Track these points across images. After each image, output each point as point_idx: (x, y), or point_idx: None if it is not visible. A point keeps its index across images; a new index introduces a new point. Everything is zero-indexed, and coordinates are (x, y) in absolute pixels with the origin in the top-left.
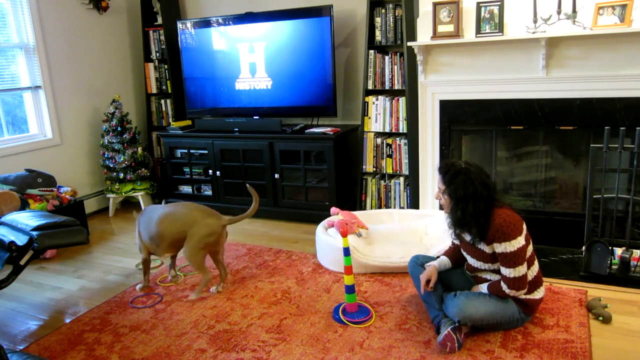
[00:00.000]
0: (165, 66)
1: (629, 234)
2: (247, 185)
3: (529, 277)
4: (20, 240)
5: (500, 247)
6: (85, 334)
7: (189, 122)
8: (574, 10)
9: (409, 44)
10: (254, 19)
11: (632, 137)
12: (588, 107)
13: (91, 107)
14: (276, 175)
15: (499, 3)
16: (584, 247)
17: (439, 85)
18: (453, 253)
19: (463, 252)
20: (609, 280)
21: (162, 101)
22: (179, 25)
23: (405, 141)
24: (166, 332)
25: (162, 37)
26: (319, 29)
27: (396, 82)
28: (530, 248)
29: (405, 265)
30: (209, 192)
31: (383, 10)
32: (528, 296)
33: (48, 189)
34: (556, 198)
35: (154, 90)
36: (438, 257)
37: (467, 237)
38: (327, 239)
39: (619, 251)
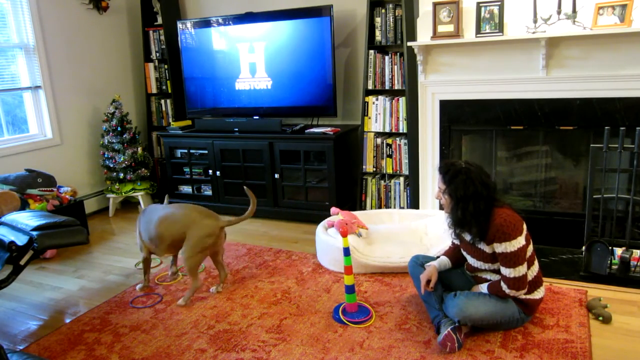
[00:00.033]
0: (165, 66)
1: (629, 234)
2: (245, 187)
3: (529, 277)
4: (20, 240)
5: (500, 247)
6: (85, 334)
7: (189, 122)
8: (574, 10)
9: (409, 44)
10: (254, 19)
11: (632, 137)
12: (588, 107)
13: (91, 107)
14: (276, 175)
15: (499, 3)
16: (584, 247)
17: (439, 85)
18: (453, 253)
19: (463, 252)
20: (609, 280)
21: (162, 101)
22: (179, 25)
23: (405, 141)
24: (166, 332)
25: (162, 37)
26: (319, 29)
27: (396, 82)
28: (531, 248)
29: (405, 265)
30: (209, 192)
31: (383, 10)
32: (528, 296)
33: (48, 189)
34: (556, 198)
35: (154, 90)
36: (438, 257)
37: (467, 237)
38: (327, 239)
39: (619, 251)
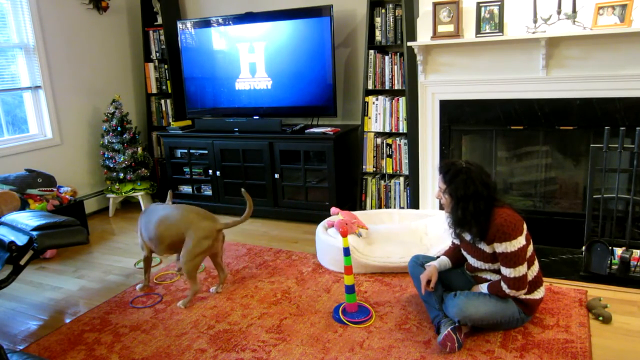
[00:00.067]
0: (165, 66)
1: (629, 234)
2: (242, 190)
3: (529, 277)
4: (20, 240)
5: (500, 247)
6: (85, 334)
7: (189, 122)
8: (574, 10)
9: (409, 44)
10: (254, 19)
11: (632, 137)
12: (588, 107)
13: (91, 107)
14: (276, 175)
15: (499, 3)
16: (584, 247)
17: (439, 85)
18: (453, 253)
19: (463, 252)
20: (609, 280)
21: (162, 101)
22: (179, 25)
23: (405, 141)
24: (166, 332)
25: (162, 37)
26: (319, 29)
27: (396, 82)
28: (531, 248)
29: (405, 265)
30: (209, 192)
31: (383, 10)
32: (528, 296)
33: (48, 189)
34: (556, 198)
35: (154, 90)
36: (438, 257)
37: (468, 237)
38: (327, 239)
39: (619, 251)
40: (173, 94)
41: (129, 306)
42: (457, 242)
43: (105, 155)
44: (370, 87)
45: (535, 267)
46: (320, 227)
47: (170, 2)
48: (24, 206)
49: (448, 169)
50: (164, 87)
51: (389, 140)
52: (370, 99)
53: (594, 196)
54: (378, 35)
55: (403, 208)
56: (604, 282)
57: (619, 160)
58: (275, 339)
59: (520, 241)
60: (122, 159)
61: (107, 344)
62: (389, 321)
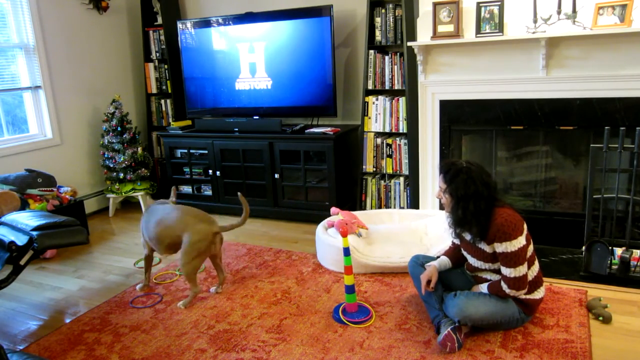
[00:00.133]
0: (165, 66)
1: (629, 234)
2: (239, 194)
3: (529, 277)
4: (20, 240)
5: (501, 247)
6: (85, 334)
7: (189, 122)
8: (574, 10)
9: (409, 44)
10: (254, 19)
11: (632, 137)
12: (588, 107)
13: (91, 107)
14: (276, 175)
15: (499, 3)
16: (584, 247)
17: (439, 85)
18: (453, 253)
19: (463, 252)
20: (609, 280)
21: (162, 101)
22: (179, 25)
23: (405, 141)
24: (166, 332)
25: (162, 37)
26: (319, 29)
27: (396, 82)
28: (531, 248)
29: (405, 265)
30: (209, 192)
31: (383, 10)
32: (528, 296)
33: (48, 189)
34: (556, 198)
35: (154, 90)
36: (438, 257)
37: (468, 237)
38: (327, 239)
39: (619, 251)
40: (173, 94)
41: (129, 306)
42: (457, 241)
43: (105, 155)
44: (370, 87)
45: (536, 267)
46: (320, 227)
47: (170, 2)
48: (24, 206)
49: (448, 169)
50: (164, 87)
51: (389, 140)
52: (370, 99)
53: (594, 196)
54: (378, 35)
55: (403, 208)
56: (604, 282)
57: (619, 160)
58: (275, 339)
59: (521, 241)
60: (122, 159)
61: (107, 344)
62: (389, 321)
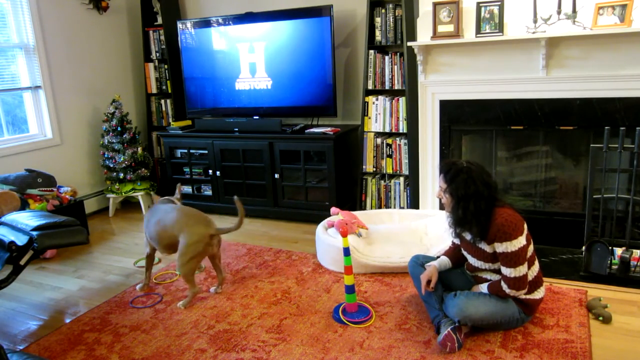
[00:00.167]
0: (165, 66)
1: (629, 234)
2: (235, 198)
3: (529, 277)
4: (20, 240)
5: (501, 247)
6: (85, 334)
7: (189, 122)
8: (574, 10)
9: (409, 44)
10: (254, 19)
11: (632, 137)
12: (588, 107)
13: (91, 107)
14: (276, 175)
15: (499, 3)
16: (584, 247)
17: (439, 85)
18: (453, 253)
19: (463, 252)
20: (609, 280)
21: (162, 101)
22: (179, 25)
23: (405, 141)
24: (166, 332)
25: (162, 37)
26: (319, 29)
27: (396, 82)
28: (531, 248)
29: (405, 265)
30: (209, 192)
31: (383, 10)
32: (528, 296)
33: (48, 189)
34: (556, 198)
35: (154, 90)
36: (438, 257)
37: (468, 236)
38: (327, 239)
39: (619, 251)
40: (173, 94)
41: (129, 306)
42: (457, 241)
43: (105, 155)
44: (370, 87)
45: (536, 267)
46: (320, 227)
47: (170, 2)
48: (24, 206)
49: (449, 169)
50: (164, 87)
51: (389, 140)
52: (370, 99)
53: (594, 196)
54: (378, 35)
55: (403, 208)
56: (604, 282)
57: (619, 160)
58: (275, 339)
59: (521, 241)
60: (122, 159)
61: (107, 344)
62: (389, 321)
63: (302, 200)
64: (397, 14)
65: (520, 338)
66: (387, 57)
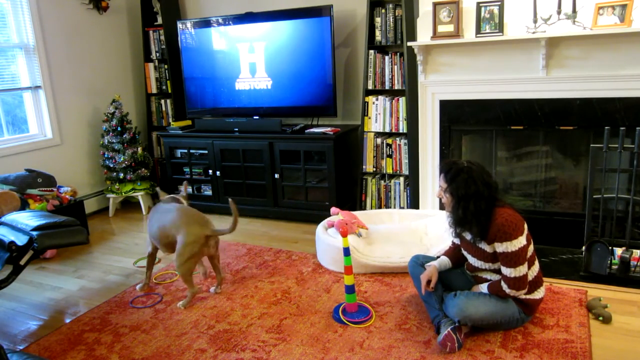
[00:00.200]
0: (165, 66)
1: (629, 234)
2: (230, 200)
3: (530, 277)
4: (20, 240)
5: (501, 247)
6: (85, 334)
7: (189, 122)
8: (574, 10)
9: (409, 44)
10: (254, 19)
11: (632, 137)
12: (588, 107)
13: (91, 107)
14: (276, 175)
15: (499, 3)
16: (584, 247)
17: (439, 85)
18: (453, 253)
19: (463, 252)
20: (609, 280)
21: (162, 101)
22: (179, 25)
23: (405, 141)
24: (166, 332)
25: (162, 37)
26: (319, 29)
27: (396, 82)
28: (531, 248)
29: (405, 265)
30: (209, 192)
31: (383, 10)
32: (528, 296)
33: (48, 189)
34: (556, 198)
35: (154, 90)
36: (438, 257)
37: (468, 236)
38: (327, 239)
39: (619, 251)
40: (173, 94)
41: (129, 306)
42: (457, 241)
43: (105, 155)
44: (370, 87)
45: (536, 267)
46: (320, 227)
47: (170, 2)
48: (24, 206)
49: (449, 168)
50: (164, 87)
51: (389, 140)
52: (370, 99)
53: (594, 196)
54: (378, 35)
55: (403, 208)
56: (604, 282)
57: (619, 160)
58: (275, 339)
59: (521, 241)
60: (122, 159)
61: (107, 344)
62: (389, 321)
63: (302, 200)
64: (397, 14)
65: (520, 338)
66: (387, 57)
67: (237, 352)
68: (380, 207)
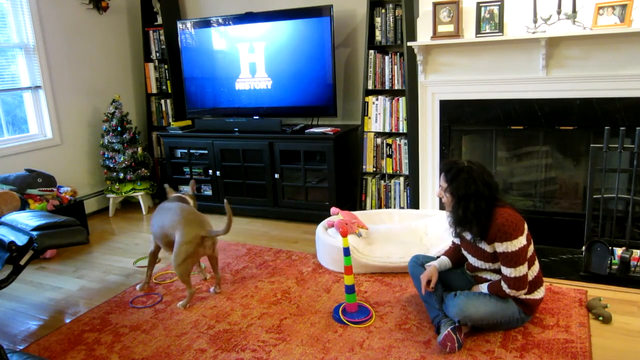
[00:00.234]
0: (165, 66)
1: (629, 234)
2: (225, 201)
3: (530, 277)
4: (20, 240)
5: (501, 247)
6: (85, 334)
7: (189, 122)
8: (574, 10)
9: (409, 44)
10: (254, 19)
11: (632, 137)
12: (588, 107)
13: (91, 107)
14: (276, 175)
15: (499, 3)
16: (584, 247)
17: (439, 85)
18: (453, 253)
19: (463, 252)
20: (609, 280)
21: (162, 101)
22: (179, 25)
23: (405, 141)
24: (166, 332)
25: (162, 37)
26: (319, 29)
27: (396, 82)
28: (531, 248)
29: (405, 265)
30: (209, 192)
31: (383, 10)
32: (528, 296)
33: (48, 189)
34: (556, 198)
35: (154, 90)
36: (438, 257)
37: (468, 236)
38: (327, 239)
39: (619, 251)
40: (173, 94)
41: (129, 306)
42: (457, 241)
43: (105, 155)
44: (370, 87)
45: (536, 267)
46: (320, 227)
47: (170, 2)
48: (24, 206)
49: (450, 168)
50: (164, 87)
51: (389, 140)
52: (370, 99)
53: (594, 196)
54: (378, 35)
55: (403, 208)
56: (604, 282)
57: (619, 160)
58: (275, 339)
59: (521, 241)
60: (122, 159)
61: (107, 344)
62: (389, 321)
63: (302, 200)
64: (397, 14)
65: (520, 338)
66: (387, 57)
67: (237, 352)
68: (380, 207)
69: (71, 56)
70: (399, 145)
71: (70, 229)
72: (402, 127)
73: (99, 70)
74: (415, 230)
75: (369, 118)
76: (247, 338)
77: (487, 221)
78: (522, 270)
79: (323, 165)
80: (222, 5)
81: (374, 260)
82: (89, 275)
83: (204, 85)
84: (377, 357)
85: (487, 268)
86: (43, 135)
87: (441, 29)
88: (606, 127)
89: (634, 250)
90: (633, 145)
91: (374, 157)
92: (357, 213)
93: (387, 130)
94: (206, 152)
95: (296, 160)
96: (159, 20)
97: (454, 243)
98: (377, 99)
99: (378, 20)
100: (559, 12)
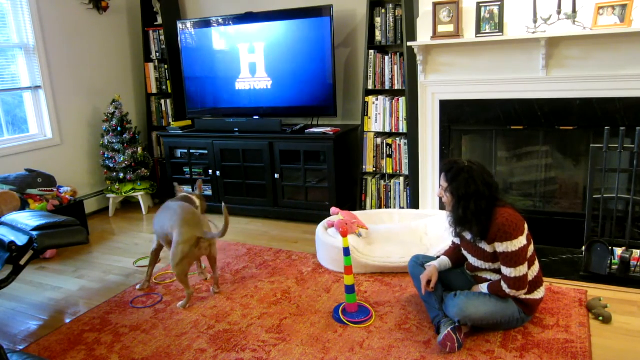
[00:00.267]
0: (165, 66)
1: (629, 234)
2: (223, 204)
3: (530, 277)
4: (20, 240)
5: (501, 247)
6: (85, 334)
7: (189, 122)
8: (574, 10)
9: (409, 44)
10: (254, 19)
11: (632, 137)
12: (588, 107)
13: (91, 107)
14: (276, 175)
15: (499, 3)
16: (584, 247)
17: (439, 85)
18: (453, 253)
19: (464, 251)
20: (609, 280)
21: (162, 101)
22: (179, 25)
23: (405, 141)
24: (166, 332)
25: (162, 37)
26: (319, 29)
27: (396, 82)
28: (532, 248)
29: (405, 265)
30: (209, 192)
31: (383, 10)
32: (528, 296)
33: (48, 189)
34: (556, 198)
35: (154, 90)
36: (438, 257)
37: (468, 236)
38: (327, 239)
39: (619, 251)
40: (173, 94)
41: (129, 306)
42: (457, 241)
43: (105, 155)
44: (370, 87)
45: (536, 267)
46: (320, 227)
47: (170, 2)
48: (24, 206)
49: (450, 168)
50: (164, 87)
51: (389, 140)
52: (370, 99)
53: (594, 196)
54: (378, 35)
55: (403, 208)
56: (604, 282)
57: (619, 160)
58: (275, 339)
59: (522, 241)
60: (122, 159)
61: (107, 344)
62: (389, 321)
63: (302, 200)
64: (397, 14)
65: (520, 338)
66: (387, 57)
67: (237, 352)
68: (380, 207)
69: (71, 56)
70: (399, 145)
71: (70, 229)
72: (402, 127)
73: (99, 70)
74: (415, 230)
75: (369, 118)
76: (247, 338)
77: (487, 221)
78: (522, 270)
79: (323, 165)
80: (222, 5)
81: (374, 260)
82: (89, 275)
83: (204, 85)
84: (377, 357)
85: (487, 268)
86: (43, 135)
87: (441, 29)
88: (606, 127)
89: (634, 250)
90: (633, 145)
91: (374, 157)
92: (357, 213)
93: (387, 130)
94: (206, 152)
95: (296, 160)
96: (159, 20)
97: (454, 243)
98: (377, 99)
99: (378, 20)
100: (559, 12)
